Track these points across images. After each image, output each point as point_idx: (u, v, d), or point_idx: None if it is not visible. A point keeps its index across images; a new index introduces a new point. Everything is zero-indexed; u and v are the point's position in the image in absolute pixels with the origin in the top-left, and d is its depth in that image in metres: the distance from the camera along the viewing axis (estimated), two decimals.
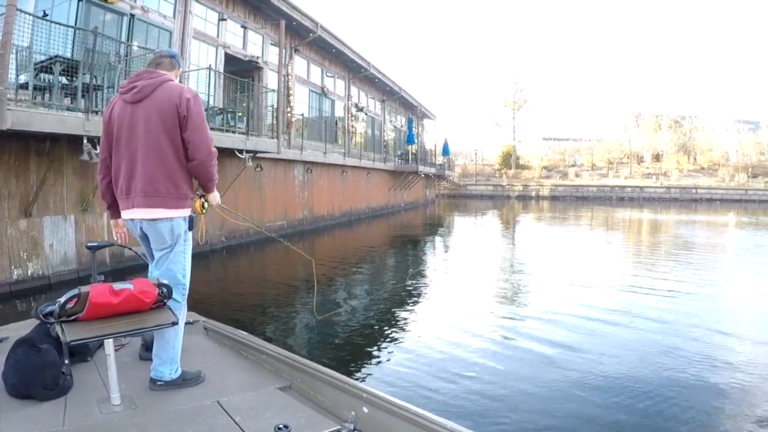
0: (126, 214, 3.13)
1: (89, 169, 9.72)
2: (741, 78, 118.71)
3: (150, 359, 3.12)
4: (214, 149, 3.15)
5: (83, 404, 2.79)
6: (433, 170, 37.95)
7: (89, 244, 3.76)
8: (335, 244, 18.01)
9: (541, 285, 10.21)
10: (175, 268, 3.14)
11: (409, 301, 8.93)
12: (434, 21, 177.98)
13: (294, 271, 12.21)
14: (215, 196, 3.34)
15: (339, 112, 25.57)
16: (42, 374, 2.81)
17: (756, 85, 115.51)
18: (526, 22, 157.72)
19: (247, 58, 16.74)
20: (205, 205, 3.30)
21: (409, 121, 36.01)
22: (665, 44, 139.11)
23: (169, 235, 3.08)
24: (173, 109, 2.96)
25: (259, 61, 17.42)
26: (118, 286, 2.74)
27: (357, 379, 2.84)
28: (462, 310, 8.04)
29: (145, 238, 3.19)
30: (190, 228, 3.19)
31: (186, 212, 3.12)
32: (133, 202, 3.04)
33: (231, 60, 15.95)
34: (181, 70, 3.36)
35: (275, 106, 15.97)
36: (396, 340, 6.68)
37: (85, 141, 8.46)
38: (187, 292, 3.25)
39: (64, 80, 8.51)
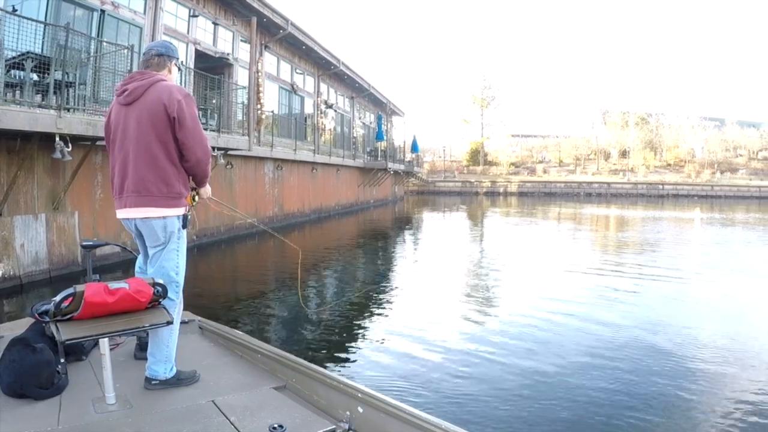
0: (120, 213, 3.15)
1: (60, 167, 9.59)
2: (707, 76, 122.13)
3: (145, 358, 3.13)
4: (208, 148, 3.17)
5: (78, 403, 2.78)
6: (402, 167, 38.08)
7: (84, 243, 3.72)
8: (305, 241, 17.99)
9: (516, 281, 10.44)
10: (168, 265, 3.15)
11: (386, 299, 9.03)
12: (403, 18, 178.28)
13: (267, 267, 12.23)
14: (207, 190, 3.37)
15: (309, 109, 25.52)
16: (37, 373, 2.81)
17: (721, 83, 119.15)
18: (495, 19, 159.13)
19: (217, 55, 16.62)
20: (196, 198, 3.31)
21: (379, 118, 36.09)
22: (632, 42, 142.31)
23: (162, 232, 3.09)
24: (162, 110, 2.96)
25: (230, 57, 17.31)
26: (113, 285, 2.74)
27: (351, 379, 2.88)
28: (440, 309, 8.14)
29: (140, 235, 3.21)
30: (184, 226, 3.19)
31: (180, 211, 3.13)
32: (125, 202, 3.07)
33: (201, 57, 15.82)
34: (174, 61, 3.30)
35: (245, 103, 15.91)
36: (372, 335, 6.80)
37: (57, 139, 8.34)
38: (181, 290, 3.24)
39: (34, 77, 8.37)
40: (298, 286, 7.02)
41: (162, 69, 3.20)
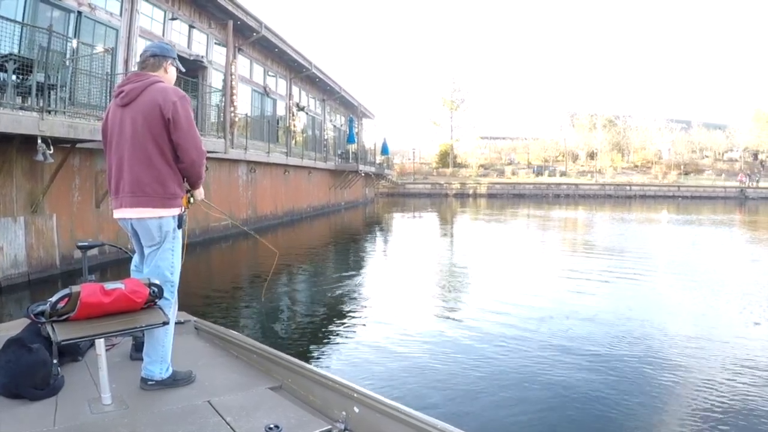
0: (116, 213, 3.19)
1: (38, 170, 9.51)
2: (674, 78, 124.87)
3: (141, 359, 3.13)
4: (203, 149, 3.20)
5: (74, 404, 2.79)
6: (372, 169, 38.31)
7: (80, 244, 3.72)
8: (279, 243, 18.03)
9: (499, 281, 10.64)
10: (163, 265, 3.16)
11: (377, 298, 9.15)
12: (373, 20, 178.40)
13: (244, 268, 12.27)
14: (200, 192, 3.41)
15: (281, 111, 25.55)
16: (33, 374, 2.81)
17: (688, 85, 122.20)
18: (464, 22, 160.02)
19: (192, 58, 16.57)
20: (191, 200, 3.35)
21: (350, 121, 36.20)
22: (600, 45, 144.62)
23: (157, 231, 3.13)
24: (158, 112, 2.98)
25: (204, 60, 17.29)
26: (109, 285, 2.74)
27: (346, 378, 2.95)
28: (431, 308, 8.30)
29: (135, 235, 3.24)
30: (180, 226, 3.23)
31: (175, 211, 3.15)
32: (121, 202, 3.11)
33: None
34: (170, 61, 3.31)
35: (220, 106, 15.90)
36: (367, 335, 6.94)
37: (39, 141, 8.28)
38: (176, 290, 3.26)
39: (14, 78, 8.29)
40: (266, 284, 6.98)
41: (158, 69, 3.23)
